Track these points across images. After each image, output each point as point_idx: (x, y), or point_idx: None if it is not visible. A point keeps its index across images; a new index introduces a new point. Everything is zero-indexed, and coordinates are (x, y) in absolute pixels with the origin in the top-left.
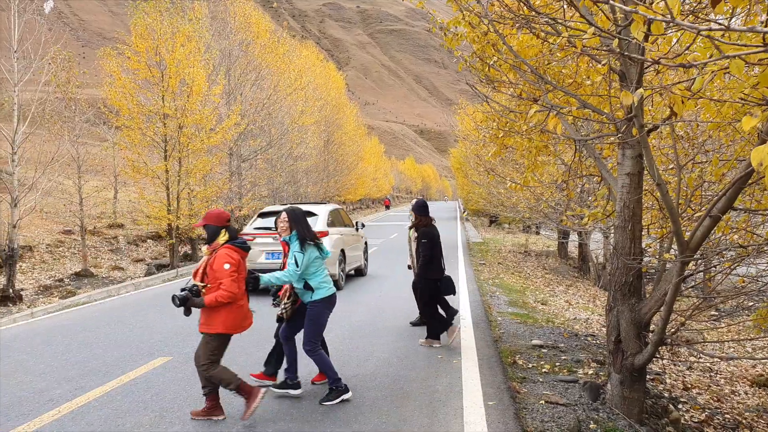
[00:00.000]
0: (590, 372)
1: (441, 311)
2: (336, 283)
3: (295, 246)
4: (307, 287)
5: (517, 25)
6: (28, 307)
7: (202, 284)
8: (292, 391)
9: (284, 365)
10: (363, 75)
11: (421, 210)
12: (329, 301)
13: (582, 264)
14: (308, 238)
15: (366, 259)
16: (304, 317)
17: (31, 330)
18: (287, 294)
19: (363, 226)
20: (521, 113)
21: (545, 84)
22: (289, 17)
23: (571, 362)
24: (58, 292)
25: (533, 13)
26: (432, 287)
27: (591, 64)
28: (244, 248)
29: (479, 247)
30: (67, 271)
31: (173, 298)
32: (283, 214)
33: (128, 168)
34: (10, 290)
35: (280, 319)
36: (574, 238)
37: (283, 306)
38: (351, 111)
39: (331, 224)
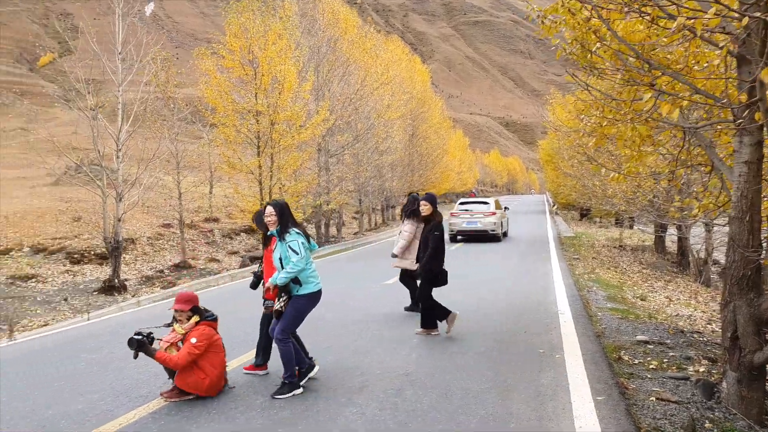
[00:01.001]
0: (701, 369)
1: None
2: (498, 236)
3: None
4: (295, 281)
5: (626, 9)
6: (132, 296)
7: (157, 338)
8: (310, 374)
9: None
10: (447, 68)
11: (436, 203)
12: (314, 297)
13: (681, 259)
14: (292, 225)
15: (507, 226)
16: None
17: (138, 318)
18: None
19: (507, 209)
20: (625, 101)
21: (652, 70)
22: (372, 12)
23: (680, 359)
24: (159, 282)
25: None
26: (435, 278)
27: (699, 48)
28: (214, 319)
29: (571, 242)
30: (167, 263)
31: (130, 340)
32: (269, 208)
33: (224, 164)
34: (116, 280)
35: (278, 314)
36: (671, 231)
37: (281, 302)
38: (436, 104)
39: (496, 207)
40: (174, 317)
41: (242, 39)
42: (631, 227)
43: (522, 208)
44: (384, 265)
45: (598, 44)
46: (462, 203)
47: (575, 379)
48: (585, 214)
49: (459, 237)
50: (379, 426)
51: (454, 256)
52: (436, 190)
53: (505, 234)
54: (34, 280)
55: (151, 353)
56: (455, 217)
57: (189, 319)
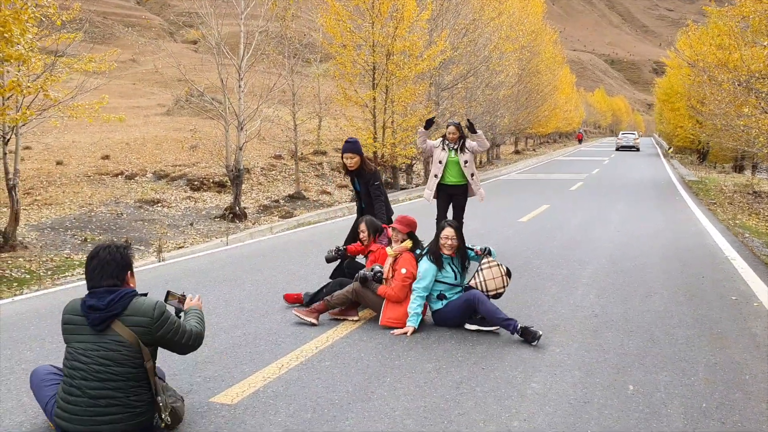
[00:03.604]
0: None
1: None
2: (638, 149)
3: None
4: None
5: None
6: (253, 224)
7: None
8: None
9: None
10: (550, 2)
11: (361, 151)
12: None
13: None
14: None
15: (640, 145)
16: None
17: (283, 242)
18: None
19: (641, 135)
20: None
21: None
22: None
23: None
24: (277, 211)
25: None
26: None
27: None
28: (419, 260)
29: (698, 186)
30: (281, 193)
31: (363, 276)
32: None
33: (339, 95)
34: (237, 208)
35: None
36: None
37: None
38: (550, 37)
39: (637, 136)
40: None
41: None
42: (752, 173)
43: (633, 151)
44: (508, 202)
45: None
46: (623, 133)
47: None
48: (704, 159)
49: (620, 149)
50: (594, 368)
51: (589, 198)
52: (543, 129)
53: (639, 148)
54: (159, 204)
55: (373, 288)
56: (619, 140)
57: (402, 241)
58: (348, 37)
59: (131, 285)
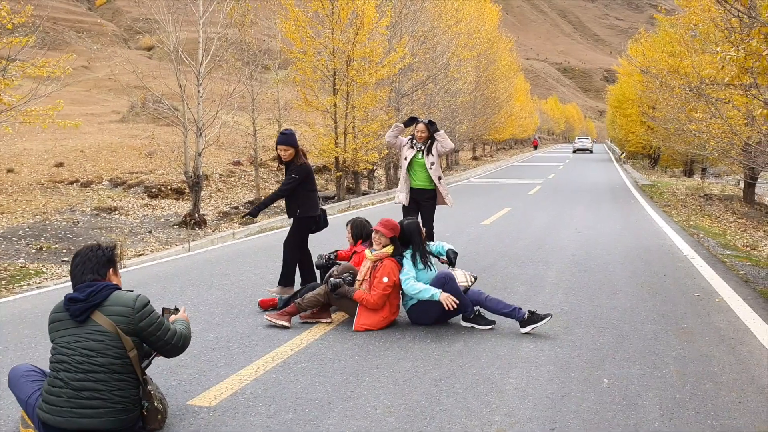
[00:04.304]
0: None
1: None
2: (592, 151)
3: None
4: None
5: None
6: (213, 230)
7: (359, 279)
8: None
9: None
10: (504, 11)
11: (296, 143)
12: None
13: None
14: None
15: (593, 148)
16: None
17: (245, 248)
18: None
19: (595, 141)
20: None
21: None
22: None
23: None
24: (237, 218)
25: None
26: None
27: None
28: (401, 263)
29: (651, 190)
30: (241, 199)
31: (328, 282)
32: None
33: (300, 101)
34: (196, 215)
35: None
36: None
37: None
38: (506, 45)
39: (591, 141)
40: (371, 240)
41: None
42: (701, 177)
43: (587, 156)
44: (470, 206)
45: None
46: (578, 138)
47: (754, 324)
48: (656, 163)
49: (576, 152)
50: (568, 363)
51: (547, 202)
52: (500, 136)
53: (593, 150)
54: (117, 212)
55: (350, 293)
56: (576, 144)
57: (384, 246)
58: (308, 43)
59: (114, 281)
